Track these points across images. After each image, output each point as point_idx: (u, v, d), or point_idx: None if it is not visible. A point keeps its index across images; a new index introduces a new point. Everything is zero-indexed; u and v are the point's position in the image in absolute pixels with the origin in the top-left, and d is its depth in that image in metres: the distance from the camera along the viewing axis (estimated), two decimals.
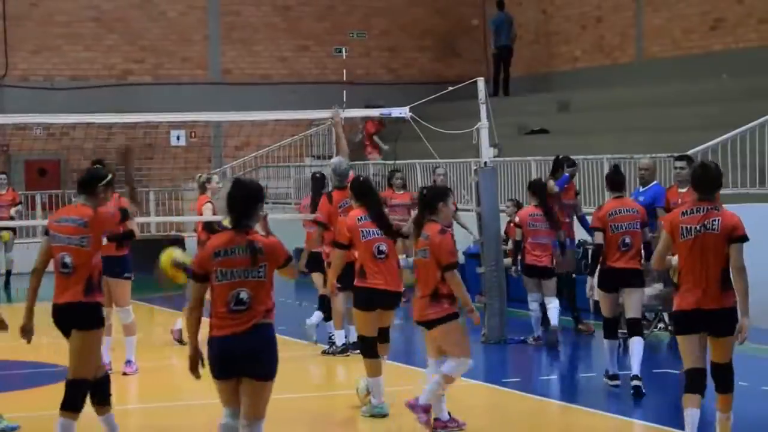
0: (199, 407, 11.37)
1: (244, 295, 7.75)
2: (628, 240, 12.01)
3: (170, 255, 13.14)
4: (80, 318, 8.92)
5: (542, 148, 22.18)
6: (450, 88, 16.34)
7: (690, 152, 17.26)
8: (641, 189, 14.75)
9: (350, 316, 13.11)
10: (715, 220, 8.88)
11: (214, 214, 14.94)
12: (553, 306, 15.10)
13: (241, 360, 7.72)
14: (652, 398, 11.83)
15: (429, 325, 10.09)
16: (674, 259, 9.23)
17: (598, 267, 12.11)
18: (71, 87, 29.01)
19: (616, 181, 12.45)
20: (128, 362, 13.35)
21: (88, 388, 9.02)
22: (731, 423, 9.06)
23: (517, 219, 15.82)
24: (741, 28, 24.30)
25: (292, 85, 30.30)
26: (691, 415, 8.90)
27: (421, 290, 10.07)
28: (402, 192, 19.70)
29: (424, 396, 10.10)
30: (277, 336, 7.96)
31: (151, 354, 14.74)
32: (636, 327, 12.12)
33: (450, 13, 32.20)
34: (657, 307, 14.90)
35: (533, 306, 15.31)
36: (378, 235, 10.92)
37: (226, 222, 8.24)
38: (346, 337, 14.18)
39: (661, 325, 15.28)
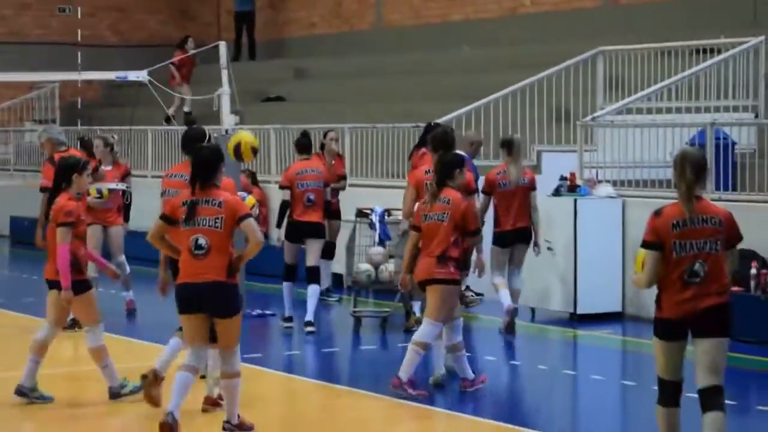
0: None
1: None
2: (312, 197, 13.73)
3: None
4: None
5: (279, 115, 21.56)
6: (191, 52, 15.55)
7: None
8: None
9: None
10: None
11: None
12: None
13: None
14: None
15: (432, 282, 10.27)
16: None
17: (285, 220, 13.77)
18: None
19: (302, 144, 14.18)
20: None
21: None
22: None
23: None
24: None
25: (12, 45, 28.59)
26: None
27: (429, 250, 10.26)
28: (335, 161, 16.17)
29: (403, 370, 10.25)
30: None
31: None
32: (315, 275, 13.84)
33: None
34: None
35: None
36: None
37: None
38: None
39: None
